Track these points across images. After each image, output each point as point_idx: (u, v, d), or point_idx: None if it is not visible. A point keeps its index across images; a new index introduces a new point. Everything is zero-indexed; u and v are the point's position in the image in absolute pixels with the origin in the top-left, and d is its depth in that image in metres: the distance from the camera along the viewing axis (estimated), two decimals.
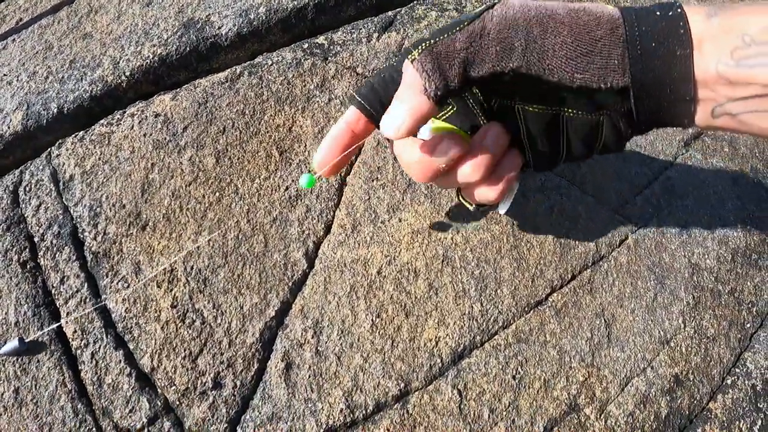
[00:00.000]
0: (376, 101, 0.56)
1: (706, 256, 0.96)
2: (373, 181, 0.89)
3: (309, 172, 0.85)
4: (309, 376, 0.79)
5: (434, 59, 0.44)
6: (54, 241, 0.88)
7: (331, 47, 1.04)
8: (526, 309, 0.86)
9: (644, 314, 0.87)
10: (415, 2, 1.13)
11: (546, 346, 0.83)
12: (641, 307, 0.88)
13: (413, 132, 0.50)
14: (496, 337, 0.83)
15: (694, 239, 0.98)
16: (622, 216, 0.98)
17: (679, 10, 0.45)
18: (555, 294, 0.88)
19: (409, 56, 0.45)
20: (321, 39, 1.05)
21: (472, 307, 0.84)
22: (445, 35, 0.45)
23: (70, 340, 0.84)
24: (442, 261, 0.86)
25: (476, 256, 0.87)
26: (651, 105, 0.48)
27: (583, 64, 0.45)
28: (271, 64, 0.99)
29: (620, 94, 0.48)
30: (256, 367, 0.80)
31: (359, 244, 0.86)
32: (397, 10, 1.11)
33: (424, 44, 0.45)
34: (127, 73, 0.99)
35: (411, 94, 0.45)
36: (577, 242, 0.91)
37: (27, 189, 0.92)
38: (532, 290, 0.87)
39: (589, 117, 0.51)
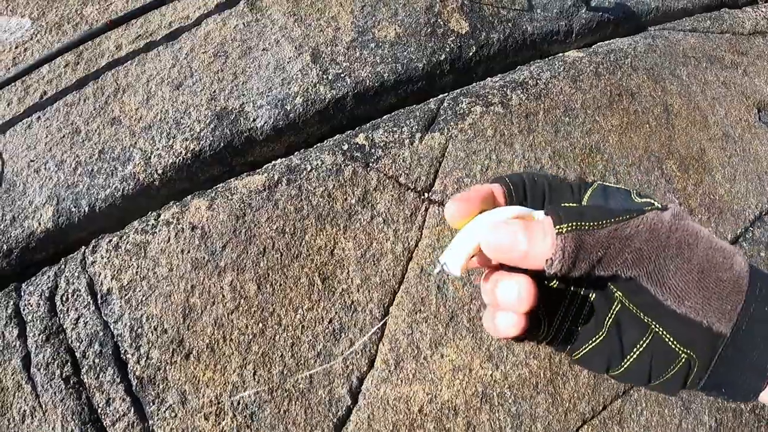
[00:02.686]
0: (519, 186, 0.56)
1: None
2: (416, 313, 0.90)
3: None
4: None
5: (577, 245, 0.44)
6: (97, 360, 0.90)
7: (373, 150, 1.01)
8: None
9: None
10: (458, 92, 1.08)
11: None
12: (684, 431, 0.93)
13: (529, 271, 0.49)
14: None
15: None
16: None
17: None
18: (585, 426, 0.92)
19: (558, 227, 0.45)
20: (361, 138, 1.02)
21: None
22: (595, 223, 0.46)
23: None
24: (481, 398, 0.89)
25: (513, 393, 0.91)
26: (734, 358, 0.50)
27: (697, 297, 0.46)
28: (310, 170, 0.98)
29: (709, 339, 0.48)
30: None
31: (402, 381, 0.89)
32: (440, 100, 1.07)
33: (577, 223, 0.45)
34: (160, 171, 0.97)
35: (533, 237, 0.45)
36: None
37: (64, 299, 0.93)
38: (565, 424, 0.91)
39: (674, 347, 0.51)
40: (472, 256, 0.49)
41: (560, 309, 0.50)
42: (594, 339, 0.50)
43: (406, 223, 0.96)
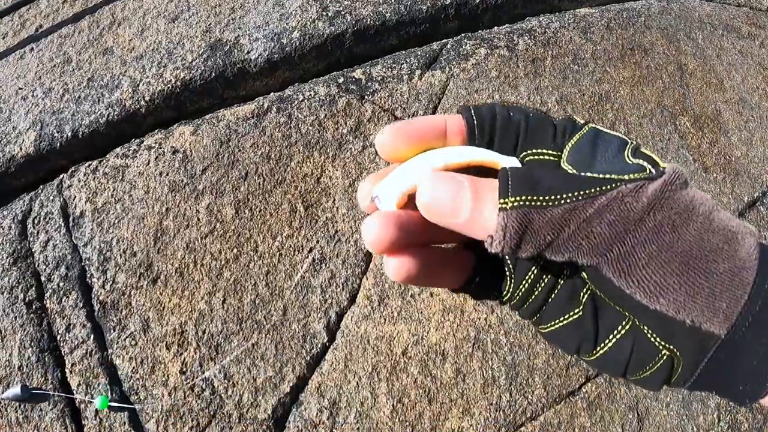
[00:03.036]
0: (487, 121, 0.43)
1: None
2: None
3: (103, 394, 0.79)
4: None
5: (522, 225, 0.35)
6: (61, 284, 0.84)
7: (369, 84, 0.96)
8: (557, 400, 0.81)
9: (679, 408, 0.82)
10: (462, 35, 1.04)
11: None
12: (677, 400, 0.83)
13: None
14: (521, 429, 0.79)
15: None
16: None
17: None
18: (589, 384, 0.83)
19: (502, 201, 0.35)
20: (358, 73, 0.97)
21: (501, 396, 0.79)
22: (550, 198, 0.36)
23: (75, 392, 0.81)
24: (473, 344, 0.81)
25: (510, 340, 0.82)
26: (730, 362, 0.39)
27: (678, 292, 0.35)
28: (302, 100, 0.92)
29: (697, 338, 0.38)
30: None
31: (386, 320, 0.81)
32: (443, 42, 1.02)
33: (526, 198, 0.35)
34: (147, 98, 0.93)
35: (479, 206, 0.36)
36: None
37: (36, 221, 0.88)
38: (566, 380, 0.82)
39: (654, 342, 0.39)
40: (409, 196, 0.39)
41: (530, 271, 0.41)
42: (567, 315, 0.41)
43: None
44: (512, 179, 0.35)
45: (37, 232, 0.88)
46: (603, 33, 1.05)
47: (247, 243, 0.84)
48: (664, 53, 1.07)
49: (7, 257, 0.87)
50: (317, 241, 0.84)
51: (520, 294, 0.41)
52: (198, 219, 0.85)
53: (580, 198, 0.35)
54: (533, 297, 0.41)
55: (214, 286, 0.82)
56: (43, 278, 0.86)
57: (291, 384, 0.78)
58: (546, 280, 0.41)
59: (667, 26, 1.11)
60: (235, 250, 0.83)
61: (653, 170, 0.38)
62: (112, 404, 0.79)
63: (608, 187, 0.36)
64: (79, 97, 0.96)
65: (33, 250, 0.88)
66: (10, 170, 0.95)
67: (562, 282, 0.41)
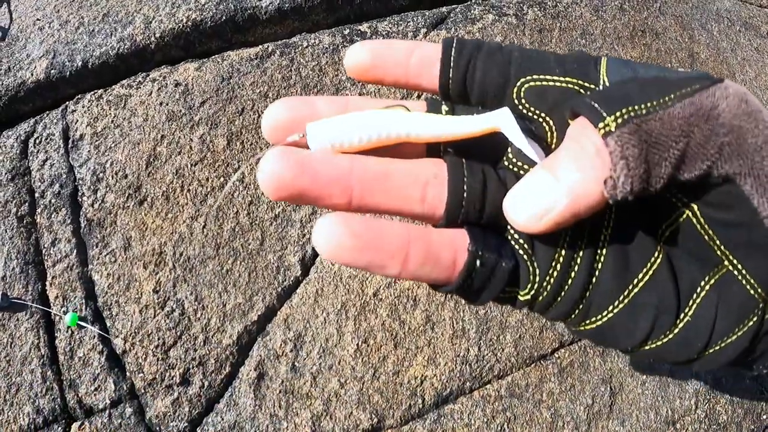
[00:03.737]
0: (467, 55, 0.33)
1: None
2: None
3: (74, 312, 0.80)
4: (280, 391, 0.75)
5: (642, 143, 0.26)
6: (53, 201, 0.86)
7: (374, 37, 0.97)
8: (528, 362, 0.79)
9: (655, 388, 0.79)
10: (472, 1, 1.05)
11: (540, 405, 0.76)
12: (654, 380, 0.80)
13: (555, 229, 0.28)
14: (487, 386, 0.77)
15: None
16: None
17: None
18: (562, 350, 0.81)
19: (602, 123, 0.26)
20: (365, 26, 0.98)
21: (469, 350, 0.78)
22: (656, 102, 0.27)
23: (52, 304, 0.82)
24: (446, 294, 0.80)
25: None
26: None
27: None
28: (306, 47, 0.94)
29: None
30: (227, 371, 0.77)
31: None
32: (453, 6, 1.03)
33: (629, 111, 0.26)
34: (158, 35, 0.96)
35: (579, 171, 0.27)
36: None
37: (37, 141, 0.91)
38: (538, 342, 0.80)
39: (752, 291, 0.30)
40: (349, 152, 0.30)
41: (559, 246, 0.30)
42: (628, 290, 0.30)
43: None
44: (596, 101, 0.27)
45: (37, 152, 0.91)
46: (615, 13, 1.05)
47: (235, 173, 0.85)
48: (677, 39, 1.06)
49: (5, 173, 0.90)
50: None
51: (553, 280, 0.30)
52: (190, 147, 0.87)
53: (689, 92, 0.27)
54: (571, 279, 0.30)
55: (197, 211, 0.83)
56: (36, 195, 0.88)
57: (259, 313, 0.79)
58: (584, 247, 0.30)
59: (682, 14, 1.10)
60: (222, 179, 0.85)
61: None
62: (81, 323, 0.80)
63: (705, 80, 0.28)
64: (93, 30, 0.99)
65: (31, 168, 0.90)
66: (19, 94, 0.98)
67: (604, 243, 0.31)
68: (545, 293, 0.30)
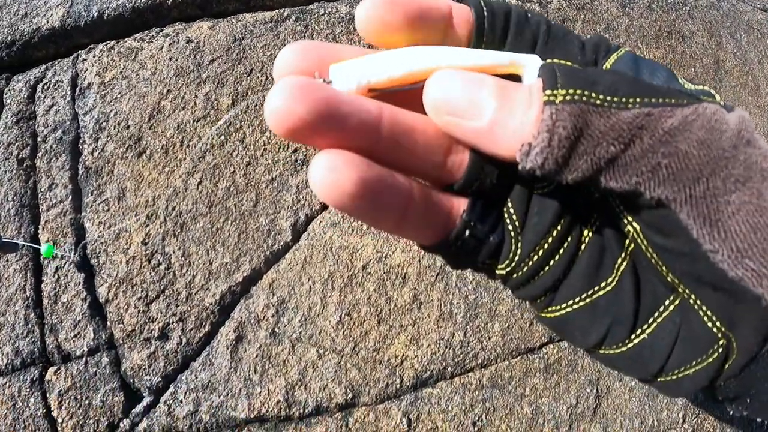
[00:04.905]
0: (500, 17, 0.31)
1: None
2: None
3: (48, 242, 0.80)
4: (256, 356, 0.74)
5: (578, 126, 0.25)
6: (54, 146, 0.86)
7: None
8: (514, 353, 0.77)
9: (643, 396, 0.77)
10: None
11: (521, 400, 0.74)
12: (643, 387, 0.78)
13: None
14: (469, 374, 0.75)
15: None
16: None
17: None
18: (551, 345, 0.79)
19: (549, 92, 0.25)
20: None
21: (454, 334, 0.76)
22: (617, 99, 0.26)
23: (42, 248, 0.82)
24: (437, 274, 0.78)
25: (476, 279, 0.79)
26: None
27: (766, 256, 0.27)
28: (323, 14, 0.93)
29: (763, 324, 0.28)
30: (206, 329, 0.76)
31: (353, 231, 0.79)
32: None
33: (582, 94, 0.25)
34: None
35: (508, 104, 0.26)
36: None
37: (45, 87, 0.91)
38: (527, 334, 0.78)
39: (711, 326, 0.29)
40: (378, 90, 0.28)
41: (551, 228, 0.29)
42: (593, 291, 0.30)
43: None
44: (560, 70, 0.26)
45: (44, 97, 0.91)
46: (643, 11, 1.03)
47: (236, 133, 0.84)
48: (703, 45, 1.03)
49: (12, 116, 0.90)
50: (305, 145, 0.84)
51: (531, 264, 0.29)
52: (195, 104, 0.86)
53: (660, 103, 0.26)
54: (549, 267, 0.30)
55: (194, 167, 0.82)
56: (39, 139, 0.88)
57: (245, 275, 0.78)
58: (569, 242, 0.30)
59: (711, 20, 1.07)
60: (222, 137, 0.84)
61: (722, 102, 0.29)
62: (57, 253, 0.80)
63: (692, 100, 0.26)
64: None
65: (36, 113, 0.90)
66: (33, 41, 0.98)
67: (586, 242, 0.30)
68: (521, 273, 0.30)
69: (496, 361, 0.76)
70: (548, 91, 0.25)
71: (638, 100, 0.26)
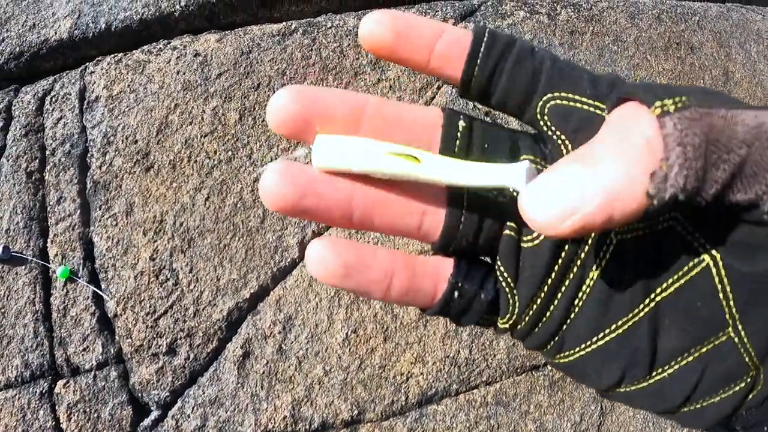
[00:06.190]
0: (498, 51, 0.29)
1: None
2: None
3: (64, 264, 0.81)
4: (263, 372, 0.75)
5: (704, 134, 0.23)
6: (63, 159, 0.87)
7: None
8: (519, 371, 0.78)
9: (647, 415, 0.78)
10: None
11: (526, 417, 0.75)
12: None
13: (581, 234, 0.25)
14: (474, 391, 0.76)
15: None
16: None
17: None
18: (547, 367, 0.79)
19: (656, 105, 0.23)
20: None
21: (459, 351, 0.77)
22: (717, 102, 0.24)
23: (51, 261, 0.83)
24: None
25: None
26: None
27: None
28: (330, 27, 0.93)
29: None
30: (214, 345, 0.77)
31: None
32: (483, 1, 1.01)
33: (689, 99, 0.23)
34: (183, 3, 0.96)
35: (621, 163, 0.24)
36: None
37: (53, 99, 0.92)
38: (532, 352, 0.78)
39: (746, 358, 0.29)
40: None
41: (546, 275, 0.29)
42: (603, 334, 0.29)
43: (413, 95, 0.89)
44: (643, 88, 0.24)
45: (53, 110, 0.92)
46: (651, 22, 1.02)
47: (243, 149, 0.85)
48: (712, 56, 1.03)
49: (20, 128, 0.91)
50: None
51: (531, 313, 0.29)
52: (202, 119, 0.87)
53: (752, 106, 0.23)
54: (549, 313, 0.29)
55: (202, 183, 0.83)
56: (47, 152, 0.89)
57: (252, 291, 0.79)
58: (565, 289, 0.29)
59: (721, 31, 1.06)
60: (229, 153, 0.85)
61: None
62: (73, 277, 0.81)
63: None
64: None
65: (45, 125, 0.91)
66: (41, 52, 0.99)
67: (589, 289, 0.29)
68: (523, 324, 0.29)
69: (501, 378, 0.77)
70: (658, 103, 0.23)
71: (734, 104, 0.24)
